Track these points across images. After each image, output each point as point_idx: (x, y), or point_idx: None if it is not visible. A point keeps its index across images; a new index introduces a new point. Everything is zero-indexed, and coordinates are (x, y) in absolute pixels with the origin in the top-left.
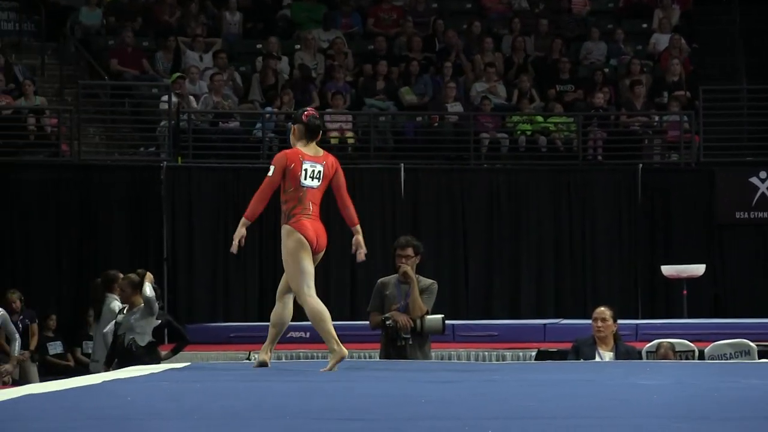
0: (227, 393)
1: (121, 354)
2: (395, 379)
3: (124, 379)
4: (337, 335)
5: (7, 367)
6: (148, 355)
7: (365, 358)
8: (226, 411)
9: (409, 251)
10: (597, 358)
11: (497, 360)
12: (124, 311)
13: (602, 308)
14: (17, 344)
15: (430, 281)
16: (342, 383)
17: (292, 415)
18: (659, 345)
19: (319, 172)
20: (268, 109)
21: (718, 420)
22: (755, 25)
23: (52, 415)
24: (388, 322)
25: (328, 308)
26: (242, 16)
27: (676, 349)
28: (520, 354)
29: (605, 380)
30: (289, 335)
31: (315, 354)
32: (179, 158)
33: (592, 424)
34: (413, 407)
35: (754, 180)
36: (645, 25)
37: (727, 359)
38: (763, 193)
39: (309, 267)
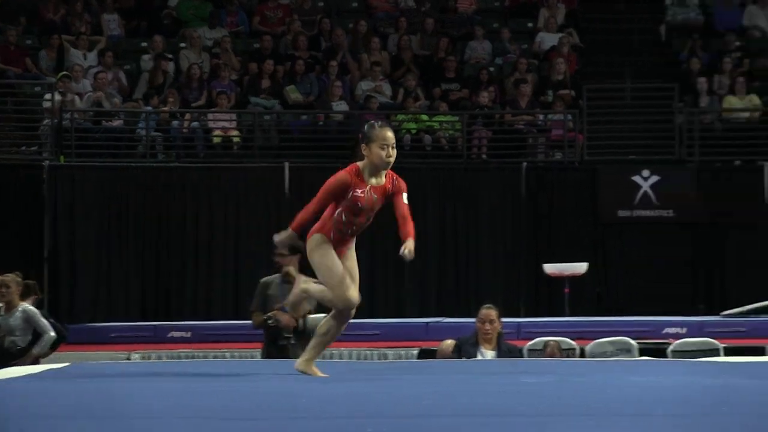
0: (105, 393)
1: (0, 355)
2: (275, 379)
3: (2, 380)
4: (221, 334)
5: None
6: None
7: (248, 357)
8: (105, 412)
9: (284, 249)
10: (479, 357)
11: (380, 359)
12: (2, 312)
13: (489, 310)
14: None
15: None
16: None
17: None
18: (546, 343)
19: None
20: (148, 108)
21: (603, 416)
22: (640, 24)
23: None
24: (270, 322)
25: (213, 307)
26: (121, 14)
27: (561, 347)
28: (402, 353)
29: (492, 379)
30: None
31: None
32: (62, 157)
33: (483, 422)
34: (297, 405)
35: (636, 179)
36: (531, 24)
37: (608, 357)
38: (645, 191)
39: None
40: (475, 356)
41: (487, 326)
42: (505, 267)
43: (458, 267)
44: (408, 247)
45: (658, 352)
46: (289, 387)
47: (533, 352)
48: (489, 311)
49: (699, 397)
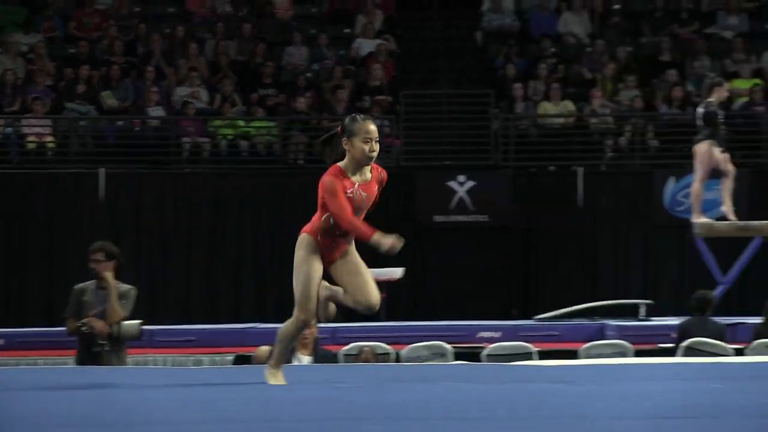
0: None
1: None
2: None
3: None
4: (34, 341)
5: None
6: None
7: (62, 364)
8: None
9: (99, 255)
10: (295, 362)
11: (195, 365)
12: None
13: None
14: None
15: (129, 287)
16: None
17: None
18: (361, 349)
19: None
20: None
21: (412, 420)
22: (456, 31)
23: None
24: (83, 328)
25: (27, 314)
26: None
27: (376, 352)
28: (218, 359)
29: (309, 385)
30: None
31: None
32: None
33: (291, 428)
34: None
35: (452, 184)
36: (348, 30)
37: (423, 361)
38: (461, 196)
39: None
40: (291, 362)
41: (305, 331)
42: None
43: (274, 272)
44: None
45: (473, 356)
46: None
47: (349, 357)
48: None
49: (512, 400)
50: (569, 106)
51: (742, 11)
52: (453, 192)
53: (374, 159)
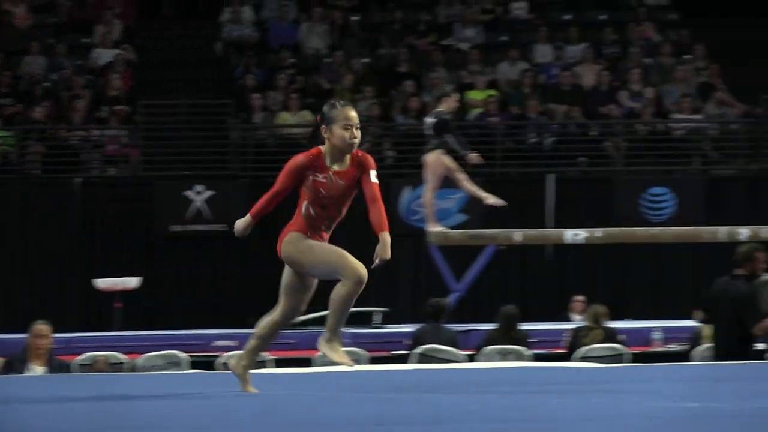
0: None
1: None
2: None
3: None
4: None
5: None
6: None
7: None
8: None
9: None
10: (29, 374)
11: None
12: None
13: (42, 325)
14: None
15: None
16: None
17: None
18: (95, 359)
19: None
20: None
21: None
22: (196, 41)
23: None
24: None
25: None
26: None
27: (110, 362)
28: None
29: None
30: None
31: None
32: None
33: None
34: None
35: (189, 193)
36: (87, 40)
37: (158, 371)
38: (198, 206)
39: None
40: (24, 373)
41: (39, 341)
42: (57, 282)
43: (10, 282)
44: (381, 255)
45: (208, 365)
46: None
47: (83, 366)
48: (41, 327)
49: (241, 410)
50: (308, 116)
51: (478, 23)
52: (190, 202)
53: (356, 146)
